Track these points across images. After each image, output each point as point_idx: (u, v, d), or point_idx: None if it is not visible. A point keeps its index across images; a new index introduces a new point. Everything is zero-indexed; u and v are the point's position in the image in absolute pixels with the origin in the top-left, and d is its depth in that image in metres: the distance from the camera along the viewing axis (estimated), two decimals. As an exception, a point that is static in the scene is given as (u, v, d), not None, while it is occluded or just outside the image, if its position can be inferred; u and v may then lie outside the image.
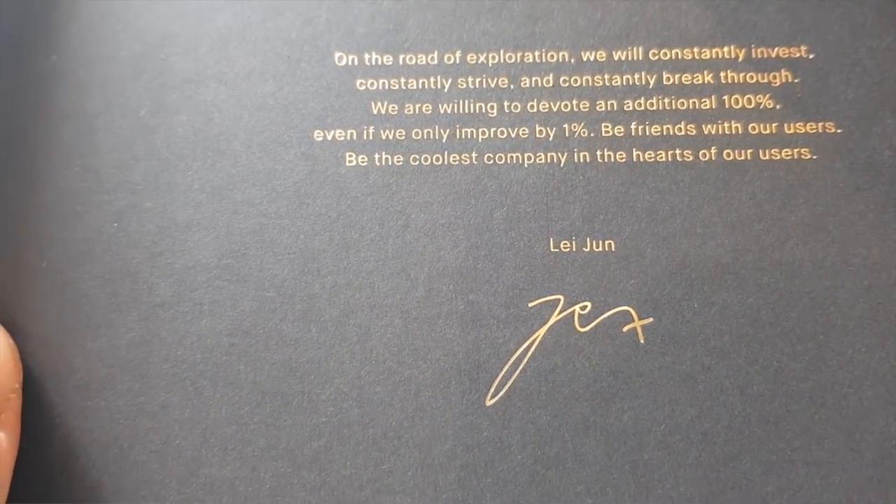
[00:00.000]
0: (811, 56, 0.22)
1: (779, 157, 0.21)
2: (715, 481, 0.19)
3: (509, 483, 0.19)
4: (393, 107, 0.22)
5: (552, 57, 0.22)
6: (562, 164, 0.22)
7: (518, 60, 0.22)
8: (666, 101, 0.22)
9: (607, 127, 0.22)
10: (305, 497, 0.19)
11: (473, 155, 0.22)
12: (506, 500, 0.19)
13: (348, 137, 0.22)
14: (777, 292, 0.20)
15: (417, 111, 0.22)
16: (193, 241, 0.21)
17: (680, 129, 0.22)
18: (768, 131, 0.22)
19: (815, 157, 0.21)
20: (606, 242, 0.21)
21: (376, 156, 0.22)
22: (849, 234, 0.21)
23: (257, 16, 0.22)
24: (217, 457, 0.20)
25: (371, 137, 0.22)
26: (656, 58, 0.22)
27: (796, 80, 0.22)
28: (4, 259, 0.21)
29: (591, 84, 0.22)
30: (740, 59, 0.22)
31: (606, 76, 0.22)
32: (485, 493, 0.19)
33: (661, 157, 0.22)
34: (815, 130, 0.22)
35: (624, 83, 0.22)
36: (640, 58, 0.22)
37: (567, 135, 0.22)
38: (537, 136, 0.22)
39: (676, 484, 0.19)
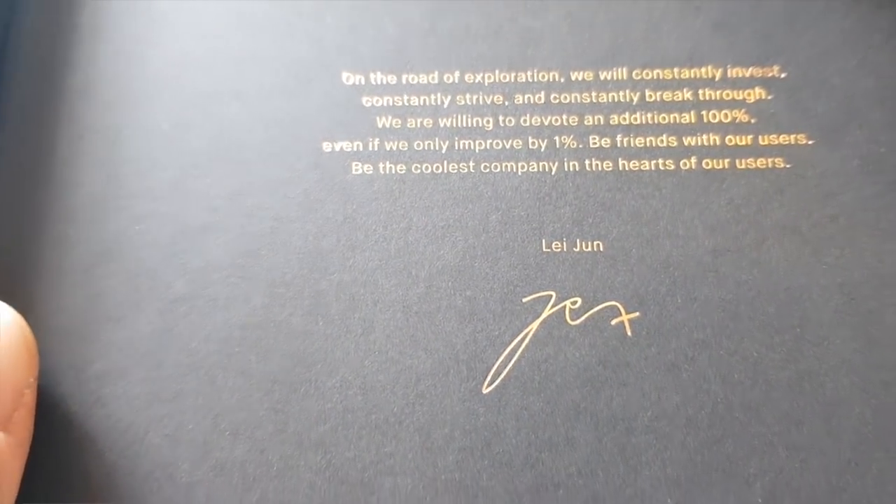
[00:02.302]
0: (783, 75, 0.24)
1: (754, 167, 0.23)
2: (699, 463, 0.20)
3: (505, 465, 0.20)
4: (396, 121, 0.24)
5: (543, 77, 0.24)
6: (553, 173, 0.23)
7: (512, 80, 0.24)
8: (649, 115, 0.24)
9: (595, 139, 0.23)
10: (311, 478, 0.20)
11: (471, 164, 0.23)
12: (501, 480, 0.20)
13: (354, 148, 0.23)
14: (755, 289, 0.22)
15: (419, 125, 0.24)
16: (209, 242, 0.22)
17: (662, 141, 0.23)
18: (744, 143, 0.23)
19: (788, 165, 0.23)
20: (595, 243, 0.22)
21: (381, 165, 0.23)
22: (822, 236, 0.22)
23: (270, 38, 0.24)
24: (228, 441, 0.21)
25: (376, 148, 0.23)
26: (639, 77, 0.24)
27: (770, 97, 0.24)
28: (31, 258, 0.22)
29: (579, 101, 0.24)
30: (717, 79, 0.24)
31: (594, 94, 0.24)
32: (481, 475, 0.20)
33: (645, 166, 0.23)
34: (788, 142, 0.23)
35: (610, 100, 0.24)
36: (625, 77, 0.24)
37: (557, 146, 0.23)
38: (530, 147, 0.23)
39: (663, 466, 0.20)
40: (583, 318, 0.22)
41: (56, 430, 0.21)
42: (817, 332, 0.21)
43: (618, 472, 0.20)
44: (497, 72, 0.24)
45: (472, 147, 0.23)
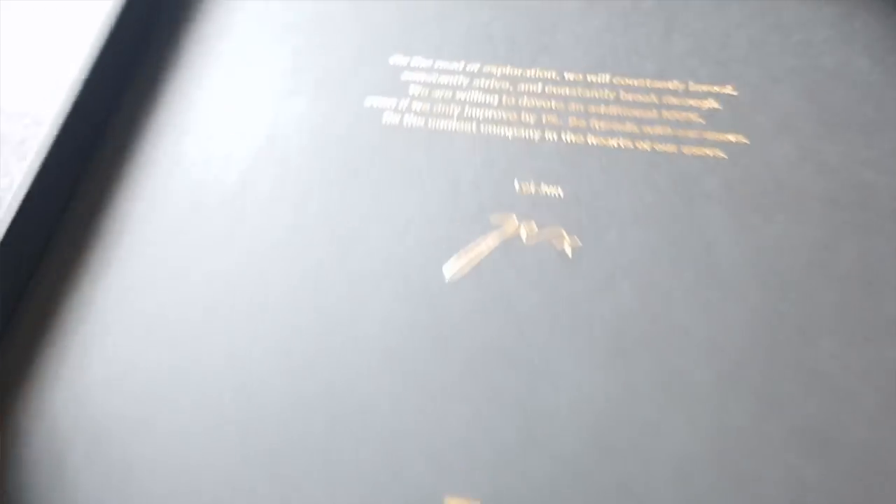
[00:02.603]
0: (735, 93, 0.30)
1: (696, 154, 0.29)
2: (621, 333, 0.25)
3: (462, 349, 0.26)
4: (424, 91, 0.31)
5: (543, 74, 0.31)
6: (535, 140, 0.30)
7: (518, 74, 0.31)
8: (619, 109, 0.30)
9: (572, 120, 0.30)
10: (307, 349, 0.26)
11: (473, 126, 0.30)
12: (462, 357, 0.26)
13: (388, 105, 0.31)
14: (682, 237, 0.27)
15: (440, 96, 0.31)
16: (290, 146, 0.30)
17: (625, 127, 0.30)
18: (692, 136, 0.29)
19: (724, 156, 0.29)
20: (557, 190, 0.28)
21: (406, 118, 0.30)
22: (743, 207, 0.27)
23: (337, 28, 0.33)
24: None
25: (405, 107, 0.31)
26: (617, 82, 0.31)
27: (720, 108, 0.30)
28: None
29: (567, 94, 0.31)
30: (679, 91, 0.30)
31: (579, 90, 0.31)
32: (432, 348, 0.26)
33: (608, 143, 0.29)
34: (728, 140, 0.29)
35: (591, 96, 0.30)
36: (607, 81, 0.31)
37: (543, 122, 0.30)
38: (521, 120, 0.30)
39: (592, 340, 0.25)
40: (535, 239, 0.27)
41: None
42: (726, 275, 0.26)
43: (562, 345, 0.25)
44: (509, 67, 0.31)
45: (478, 115, 0.30)
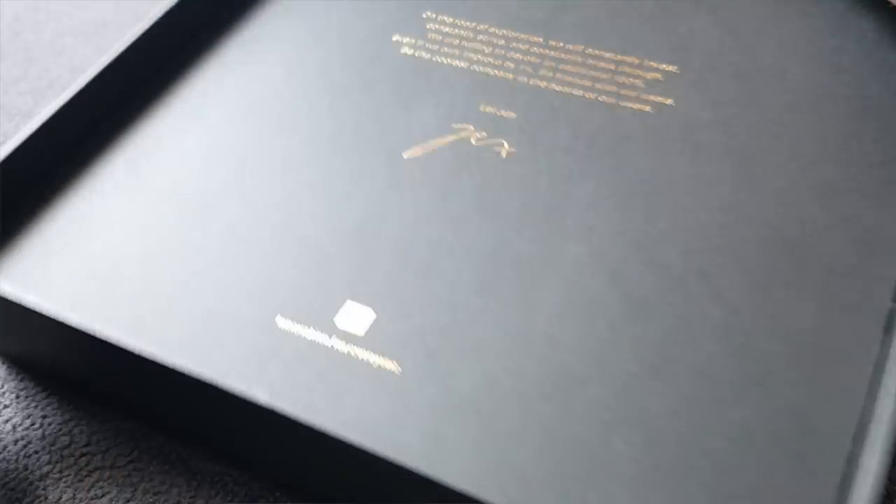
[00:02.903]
0: (677, 71, 0.37)
1: (630, 106, 0.36)
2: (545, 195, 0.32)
3: (407, 204, 0.34)
4: (438, 36, 0.40)
5: (532, 38, 0.39)
6: (509, 79, 0.38)
7: (512, 36, 0.40)
8: (583, 70, 0.38)
9: (544, 71, 0.38)
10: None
11: (465, 64, 0.39)
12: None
13: (407, 42, 0.40)
14: (598, 158, 0.34)
15: (448, 42, 0.40)
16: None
17: (582, 82, 0.37)
18: (631, 94, 0.36)
19: (651, 111, 0.35)
20: (511, 113, 0.36)
21: (418, 52, 0.39)
22: (659, 141, 0.34)
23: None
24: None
25: (420, 43, 0.40)
26: (588, 52, 0.38)
27: (661, 79, 0.37)
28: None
29: (547, 54, 0.39)
30: (634, 63, 0.38)
31: (557, 53, 0.39)
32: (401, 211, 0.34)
33: (566, 91, 0.37)
34: (658, 101, 0.36)
35: (565, 58, 0.38)
36: (580, 50, 0.39)
37: (519, 69, 0.38)
38: (503, 66, 0.38)
39: (505, 218, 0.32)
40: (481, 143, 0.35)
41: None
42: (627, 192, 0.33)
43: (505, 218, 0.33)
44: (507, 30, 0.40)
45: (471, 58, 0.39)
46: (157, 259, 0.33)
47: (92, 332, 0.28)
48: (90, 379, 0.33)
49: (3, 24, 0.52)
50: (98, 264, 0.33)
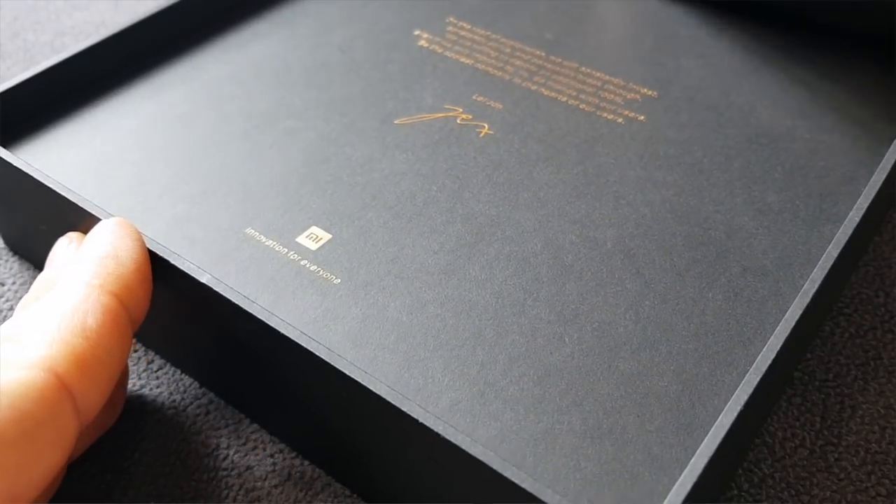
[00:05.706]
0: (656, 95, 0.41)
1: (605, 116, 0.39)
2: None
3: (392, 161, 0.38)
4: (454, 36, 0.44)
5: (533, 52, 0.43)
6: (505, 79, 0.42)
7: (518, 46, 0.44)
8: (573, 83, 0.41)
9: (537, 78, 0.42)
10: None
11: (471, 61, 0.43)
12: (401, 190, 0.38)
13: (426, 37, 0.44)
14: (565, 154, 0.37)
15: (462, 43, 0.44)
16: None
17: (568, 91, 0.41)
18: (609, 107, 0.40)
19: (623, 123, 0.39)
20: (499, 105, 0.40)
21: (433, 46, 0.44)
22: (635, 142, 0.37)
23: (428, -8, 0.47)
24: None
25: (437, 40, 0.44)
26: (580, 69, 0.42)
27: (639, 99, 0.40)
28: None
29: (542, 66, 0.43)
30: (619, 84, 0.41)
31: (553, 66, 0.43)
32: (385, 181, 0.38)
33: (554, 97, 0.41)
34: (631, 116, 0.39)
35: (558, 71, 0.42)
36: (575, 66, 0.42)
37: (516, 73, 0.42)
38: (503, 68, 0.42)
39: (476, 188, 0.36)
40: (464, 123, 0.39)
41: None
42: (594, 183, 0.36)
43: (482, 192, 0.36)
44: (516, 42, 0.44)
45: (476, 57, 0.43)
46: (158, 166, 0.37)
47: (86, 208, 0.32)
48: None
49: (3, 24, 0.53)
50: (105, 162, 0.37)
